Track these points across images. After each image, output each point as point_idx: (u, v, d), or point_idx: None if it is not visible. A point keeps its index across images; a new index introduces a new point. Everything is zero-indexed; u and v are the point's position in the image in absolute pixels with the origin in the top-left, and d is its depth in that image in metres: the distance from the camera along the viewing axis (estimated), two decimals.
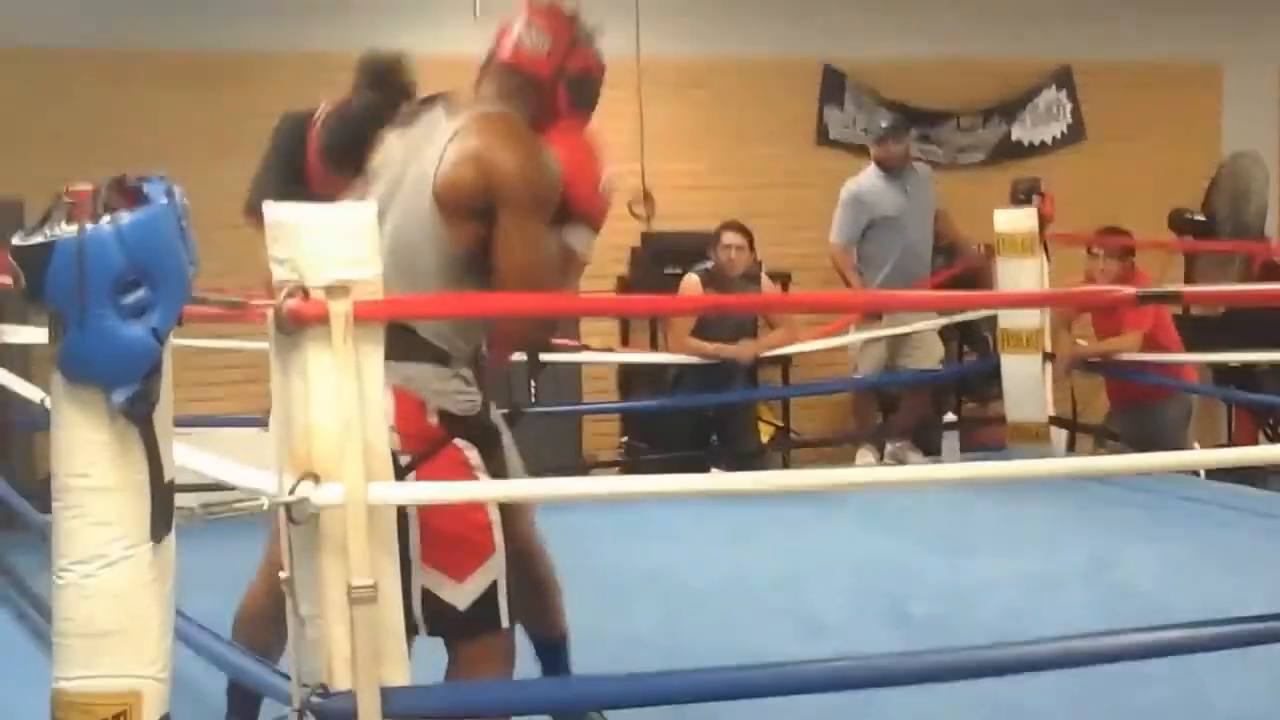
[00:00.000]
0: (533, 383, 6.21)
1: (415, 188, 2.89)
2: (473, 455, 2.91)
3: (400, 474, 2.73)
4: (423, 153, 2.92)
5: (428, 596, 2.81)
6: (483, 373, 3.01)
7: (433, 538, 2.81)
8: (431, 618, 2.83)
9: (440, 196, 2.84)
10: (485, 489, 2.92)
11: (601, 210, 3.14)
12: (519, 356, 6.16)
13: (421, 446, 2.83)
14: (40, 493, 2.52)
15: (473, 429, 2.93)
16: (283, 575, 2.60)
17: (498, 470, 2.98)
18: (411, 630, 2.72)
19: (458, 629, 2.86)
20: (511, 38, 3.08)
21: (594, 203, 3.12)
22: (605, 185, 3.15)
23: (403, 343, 2.78)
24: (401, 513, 2.70)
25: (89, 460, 2.28)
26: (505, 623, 2.90)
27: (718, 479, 3.43)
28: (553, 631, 3.44)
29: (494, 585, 2.86)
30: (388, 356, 2.62)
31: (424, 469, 2.83)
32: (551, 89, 3.03)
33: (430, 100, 3.10)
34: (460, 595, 2.83)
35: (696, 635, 4.54)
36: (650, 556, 5.35)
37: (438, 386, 2.87)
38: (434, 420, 2.86)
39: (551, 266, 2.94)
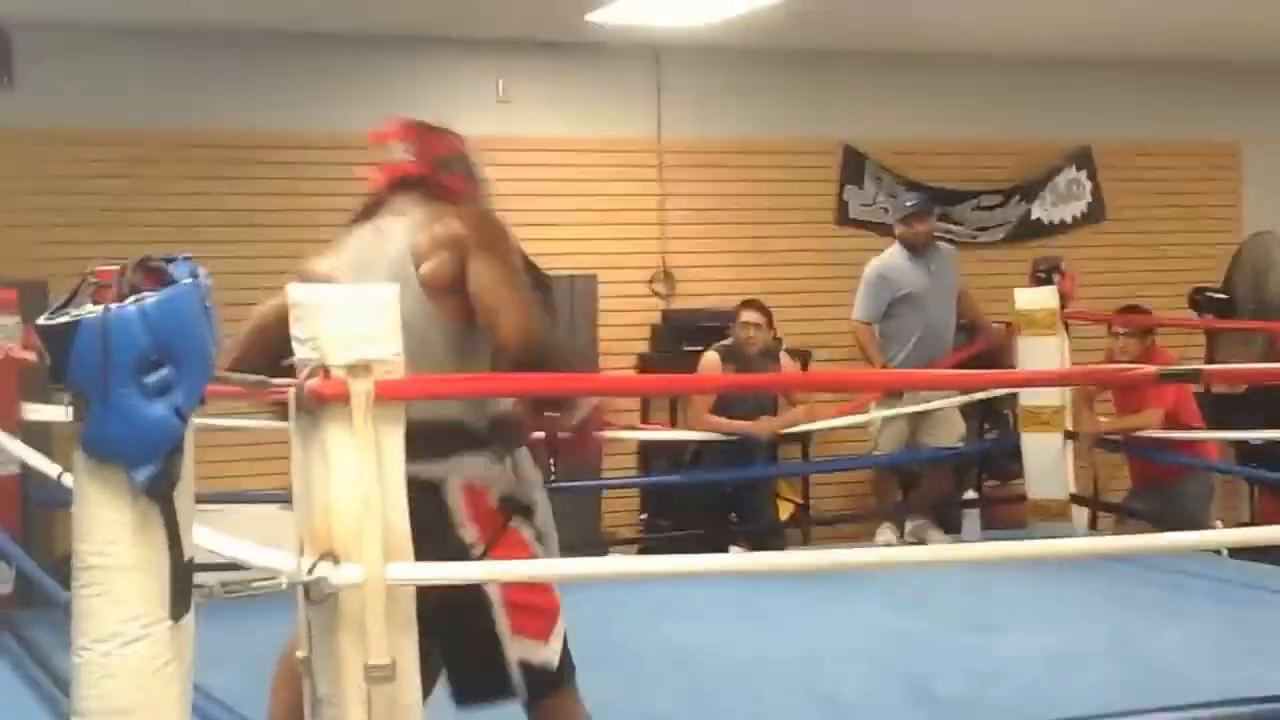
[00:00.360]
0: (551, 460, 6.19)
1: (397, 278, 2.97)
2: (528, 532, 3.12)
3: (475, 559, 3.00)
4: (391, 245, 3.15)
5: (525, 665, 3.03)
6: (510, 437, 3.19)
7: (516, 610, 3.01)
8: (533, 683, 3.04)
9: (427, 280, 3.05)
10: (505, 570, 2.94)
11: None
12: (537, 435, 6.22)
13: (490, 533, 3.05)
14: (58, 569, 2.53)
15: (519, 504, 3.14)
16: (300, 655, 2.59)
17: (539, 530, 3.19)
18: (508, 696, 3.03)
19: (556, 685, 3.07)
20: (390, 161, 3.40)
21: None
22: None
23: (453, 438, 3.02)
24: (482, 594, 2.97)
25: (110, 538, 2.29)
26: (573, 675, 3.13)
27: (738, 559, 3.43)
28: None
29: (565, 641, 3.10)
30: (442, 454, 2.90)
31: (495, 552, 3.04)
32: (437, 178, 3.32)
33: (372, 205, 3.35)
34: (551, 654, 3.04)
35: (718, 715, 4.52)
36: (671, 635, 5.33)
37: (491, 474, 3.09)
38: (495, 506, 3.07)
39: (527, 292, 3.12)
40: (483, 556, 3.00)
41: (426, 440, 2.81)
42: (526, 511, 3.15)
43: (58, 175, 7.65)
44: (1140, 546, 4.36)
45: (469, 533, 3.01)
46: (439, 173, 3.33)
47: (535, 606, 3.03)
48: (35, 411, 5.58)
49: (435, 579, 2.75)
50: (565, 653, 3.08)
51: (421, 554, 2.67)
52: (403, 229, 3.16)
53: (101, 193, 7.66)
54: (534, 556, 3.09)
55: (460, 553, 2.99)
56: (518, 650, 3.02)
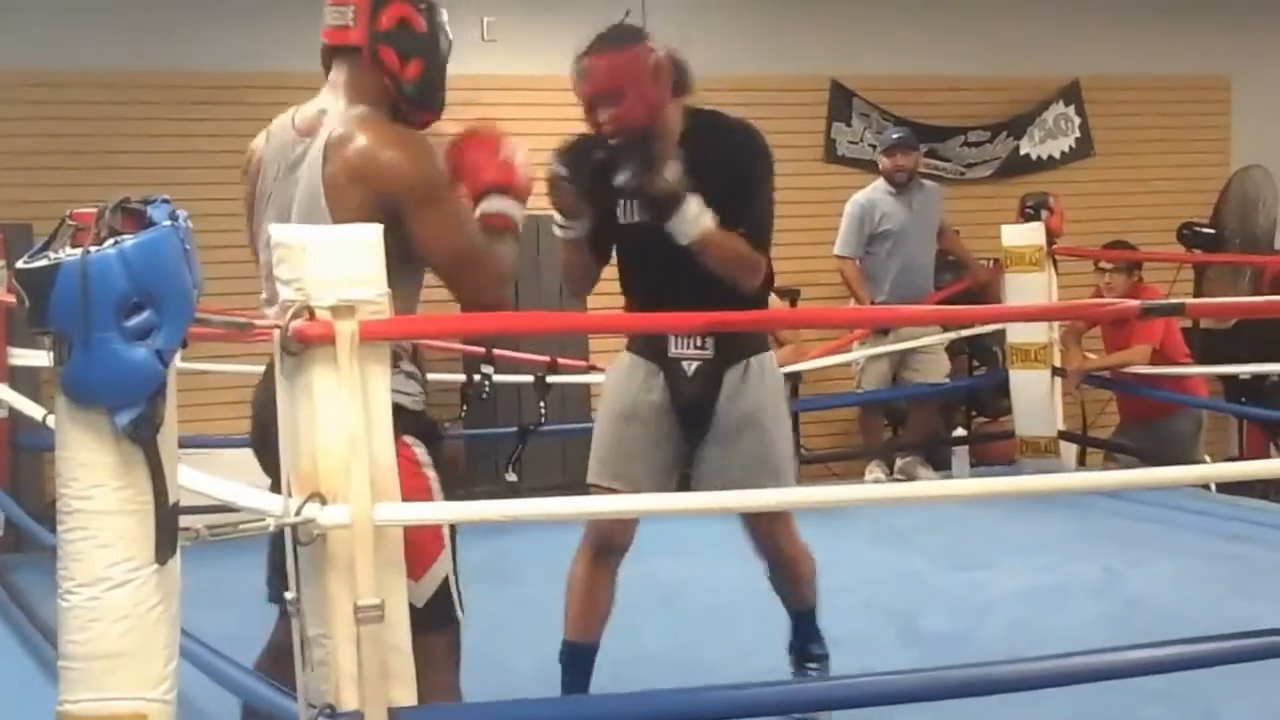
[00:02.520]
0: (542, 403, 6.22)
1: (311, 214, 2.86)
2: (420, 451, 2.92)
3: None
4: (306, 168, 2.92)
5: None
6: (423, 367, 3.05)
7: None
8: None
9: (336, 216, 2.81)
10: (486, 510, 2.94)
11: (513, 176, 3.12)
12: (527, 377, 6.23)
13: None
14: (49, 514, 2.52)
15: (421, 424, 2.96)
16: (289, 595, 2.59)
17: (441, 463, 2.98)
18: None
19: (417, 625, 2.82)
20: (324, 23, 3.09)
21: (503, 172, 3.11)
22: (509, 152, 3.15)
23: None
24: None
25: (93, 483, 2.28)
26: (459, 616, 2.96)
27: (725, 496, 3.41)
28: None
29: (445, 582, 2.92)
30: None
31: None
32: (372, 52, 2.98)
33: (302, 110, 3.10)
34: (418, 593, 2.83)
35: (708, 653, 4.53)
36: (660, 574, 5.33)
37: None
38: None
39: (480, 239, 2.97)
40: None
41: None
42: (425, 434, 2.95)
43: (42, 118, 7.60)
44: (1129, 482, 4.36)
45: None
46: (376, 45, 2.99)
47: (410, 542, 2.79)
48: (21, 356, 5.57)
49: (422, 519, 2.75)
50: (440, 599, 2.89)
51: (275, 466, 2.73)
52: (314, 150, 2.91)
53: (86, 134, 7.61)
54: (427, 482, 2.90)
55: None
56: None
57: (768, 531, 3.78)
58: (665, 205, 3.48)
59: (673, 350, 3.67)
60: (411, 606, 2.79)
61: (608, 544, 3.72)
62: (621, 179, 3.51)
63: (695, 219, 3.48)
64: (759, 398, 3.68)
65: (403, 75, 2.99)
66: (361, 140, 2.86)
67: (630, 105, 3.54)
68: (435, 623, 2.90)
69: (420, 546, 2.84)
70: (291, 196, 2.94)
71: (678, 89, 3.66)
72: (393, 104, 3.01)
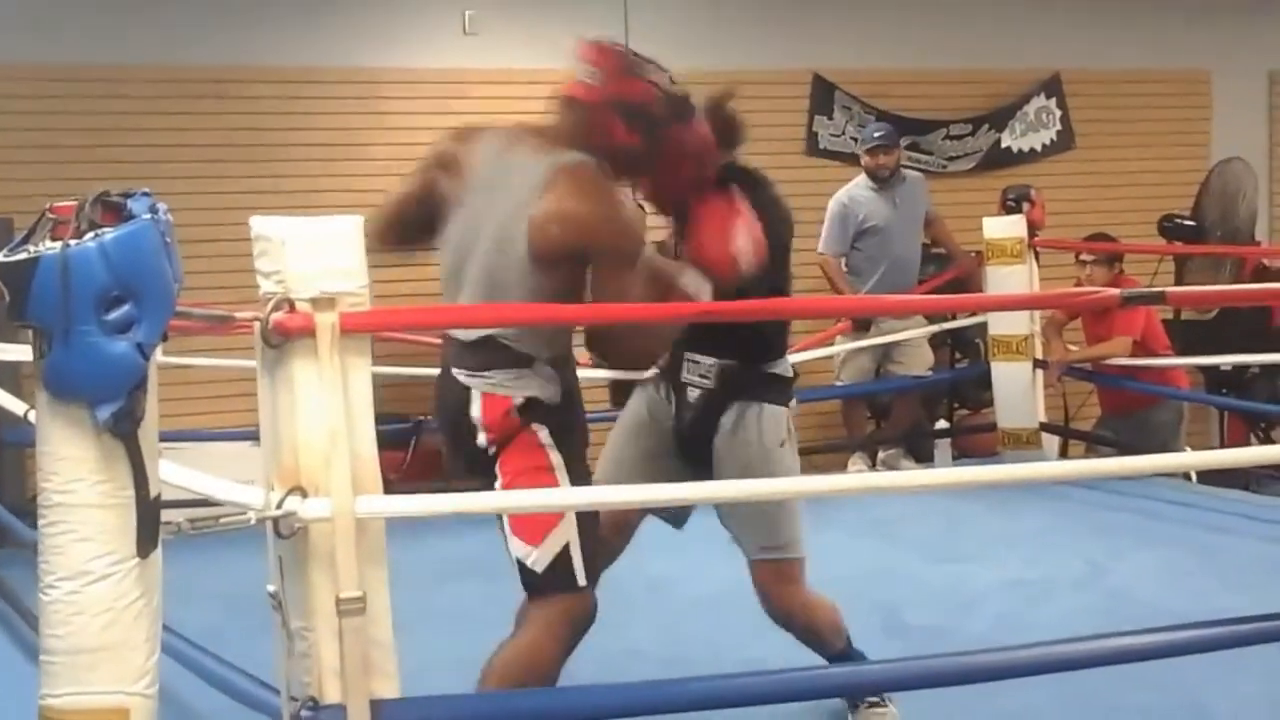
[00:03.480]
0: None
1: (506, 233, 3.08)
2: (544, 434, 3.15)
3: (489, 463, 3.13)
4: (512, 192, 3.11)
5: (517, 561, 3.12)
6: (570, 375, 3.28)
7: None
8: (523, 581, 3.14)
9: (534, 250, 3.03)
10: (471, 501, 2.95)
11: (726, 267, 3.34)
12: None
13: (501, 435, 3.13)
14: (31, 509, 2.52)
15: (550, 413, 3.17)
16: (270, 589, 2.59)
17: (571, 451, 3.19)
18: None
19: (536, 590, 3.13)
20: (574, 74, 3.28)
21: (720, 261, 3.34)
22: (739, 246, 3.35)
23: (487, 353, 3.12)
24: (492, 484, 3.12)
25: (74, 476, 2.28)
26: (581, 583, 3.15)
27: (708, 487, 3.41)
28: None
29: (566, 548, 3.11)
30: (480, 367, 3.11)
31: (505, 454, 3.14)
32: (604, 117, 3.19)
33: (517, 132, 3.30)
34: (538, 557, 3.09)
35: (695, 645, 4.54)
36: (644, 565, 5.31)
37: (518, 383, 3.14)
38: (514, 412, 3.13)
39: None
40: (493, 458, 3.13)
41: (473, 352, 3.13)
42: (555, 422, 3.17)
43: (24, 112, 7.57)
44: (1109, 471, 4.38)
45: (483, 436, 3.13)
46: (607, 113, 3.20)
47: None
48: (2, 351, 5.54)
49: (404, 511, 2.75)
50: (560, 564, 3.10)
51: (454, 455, 3.23)
52: (528, 177, 3.09)
53: (70, 129, 7.58)
54: (547, 458, 3.13)
55: (476, 456, 3.16)
56: (512, 545, 3.12)
57: (775, 593, 3.71)
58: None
59: (684, 376, 3.69)
60: (531, 571, 3.07)
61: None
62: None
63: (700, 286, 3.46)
64: (751, 444, 3.63)
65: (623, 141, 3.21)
66: (574, 187, 3.06)
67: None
68: (553, 587, 3.11)
69: (540, 513, 3.07)
70: (487, 212, 3.13)
71: (727, 145, 3.68)
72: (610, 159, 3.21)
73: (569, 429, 3.22)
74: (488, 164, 3.19)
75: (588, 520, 3.16)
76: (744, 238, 3.35)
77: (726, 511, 3.67)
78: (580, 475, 3.21)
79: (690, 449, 3.69)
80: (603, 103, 3.19)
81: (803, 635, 3.77)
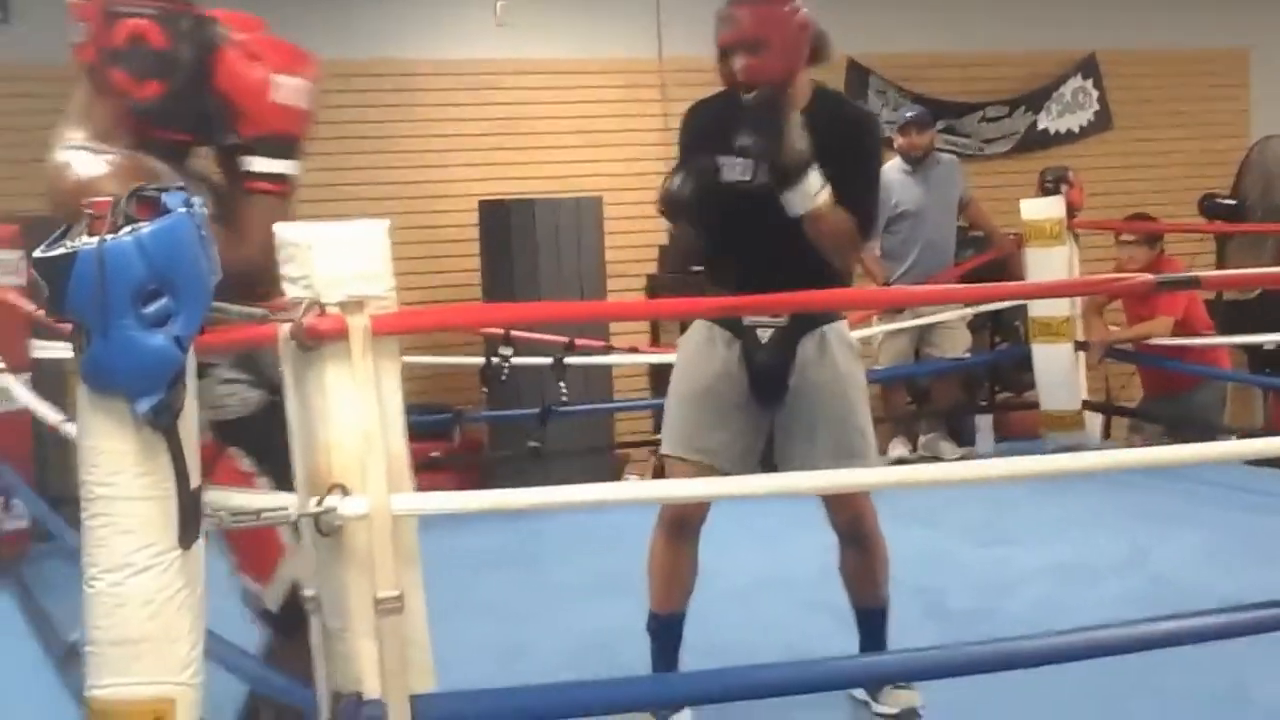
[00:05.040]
0: (561, 383, 6.25)
1: None
2: (244, 463, 2.85)
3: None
4: None
5: (254, 600, 2.91)
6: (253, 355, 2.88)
7: (236, 546, 2.87)
8: (266, 623, 2.93)
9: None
10: (503, 499, 2.93)
11: (279, 118, 2.86)
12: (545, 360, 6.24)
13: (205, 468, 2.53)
14: (74, 503, 2.53)
15: (245, 431, 2.85)
16: (308, 593, 2.59)
17: (278, 461, 2.68)
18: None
19: (276, 629, 2.89)
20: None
21: (265, 115, 2.84)
22: (284, 90, 2.88)
23: None
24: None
25: (115, 470, 2.30)
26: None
27: (748, 481, 3.39)
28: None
29: (294, 585, 2.79)
30: None
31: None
32: (103, 74, 2.81)
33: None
34: (270, 597, 2.87)
35: (737, 634, 4.53)
36: None
37: (203, 400, 2.58)
38: (207, 438, 2.66)
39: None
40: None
41: None
42: (253, 439, 2.84)
43: (58, 110, 7.60)
44: (1154, 460, 4.33)
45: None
46: (106, 70, 2.80)
47: (252, 545, 2.81)
48: (45, 348, 5.58)
49: (439, 509, 2.75)
50: (293, 600, 2.75)
51: None
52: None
53: None
54: (252, 484, 2.82)
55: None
56: (246, 584, 2.91)
57: (851, 503, 3.72)
58: (790, 172, 3.40)
59: (748, 319, 3.61)
60: (268, 611, 2.85)
61: (682, 521, 3.71)
62: (748, 139, 3.44)
63: (815, 192, 3.42)
64: (835, 365, 3.64)
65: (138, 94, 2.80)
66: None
67: (771, 58, 3.52)
68: (289, 628, 2.82)
69: (263, 551, 2.82)
70: None
71: (815, 57, 3.65)
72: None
73: (270, 436, 2.69)
74: None
75: None
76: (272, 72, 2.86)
77: (806, 427, 3.62)
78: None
79: (765, 387, 3.64)
80: (98, 60, 2.79)
81: (860, 557, 3.80)
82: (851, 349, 3.72)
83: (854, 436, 3.64)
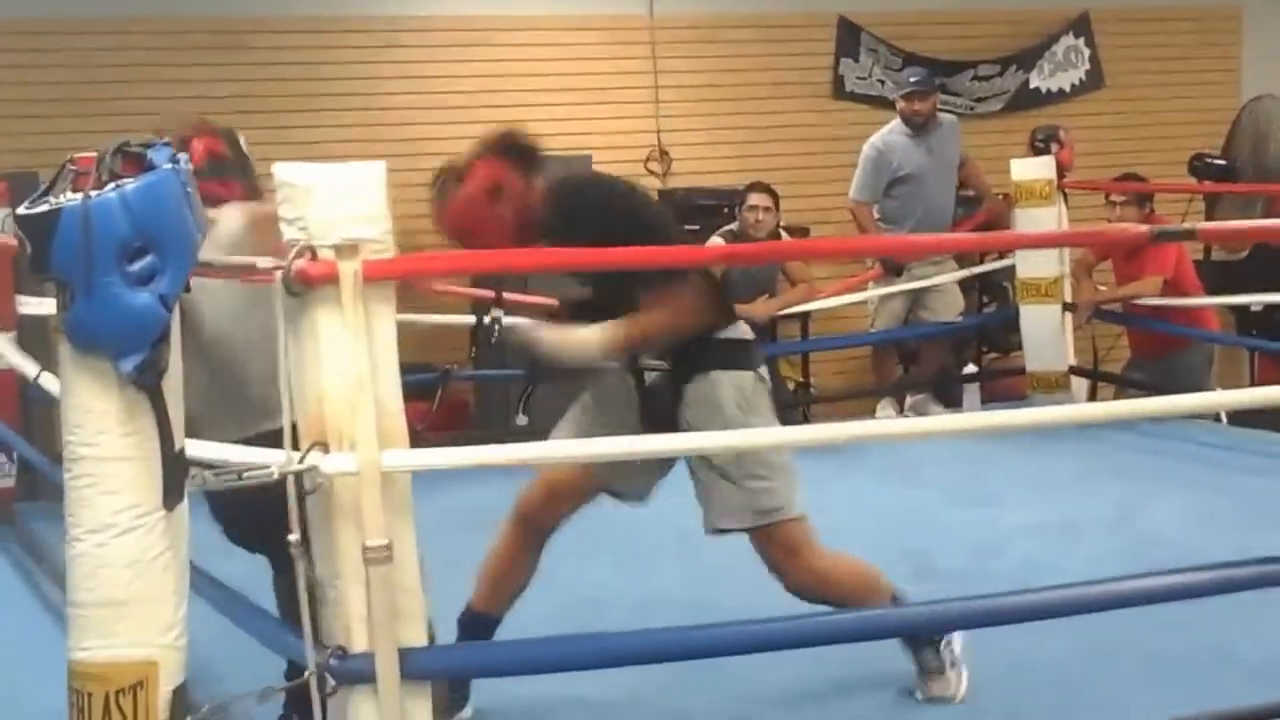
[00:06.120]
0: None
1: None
2: None
3: None
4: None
5: None
6: None
7: None
8: None
9: None
10: (495, 454, 2.90)
11: None
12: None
13: None
14: (59, 463, 2.51)
15: None
16: (293, 539, 2.55)
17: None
18: None
19: None
20: None
21: None
22: None
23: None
24: None
25: (98, 429, 2.28)
26: None
27: (735, 435, 3.39)
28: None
29: None
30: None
31: None
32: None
33: None
34: None
35: (720, 592, 4.52)
36: (668, 514, 5.32)
37: None
38: None
39: None
40: None
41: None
42: None
43: (47, 65, 7.58)
44: (1138, 412, 4.33)
45: None
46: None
47: None
48: (31, 304, 5.55)
49: (431, 464, 2.73)
50: None
51: None
52: None
53: (90, 82, 7.58)
54: None
55: None
56: None
57: (782, 569, 3.62)
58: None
59: (640, 361, 3.54)
60: None
61: (533, 522, 3.64)
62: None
63: (584, 343, 3.33)
64: (718, 415, 3.48)
65: None
66: None
67: (479, 245, 3.39)
68: None
69: None
70: None
71: (528, 165, 3.50)
72: None
73: None
74: None
75: None
76: None
77: (703, 486, 3.56)
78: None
79: (656, 425, 3.53)
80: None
81: (837, 606, 3.58)
82: (741, 394, 3.50)
83: (754, 465, 3.52)
